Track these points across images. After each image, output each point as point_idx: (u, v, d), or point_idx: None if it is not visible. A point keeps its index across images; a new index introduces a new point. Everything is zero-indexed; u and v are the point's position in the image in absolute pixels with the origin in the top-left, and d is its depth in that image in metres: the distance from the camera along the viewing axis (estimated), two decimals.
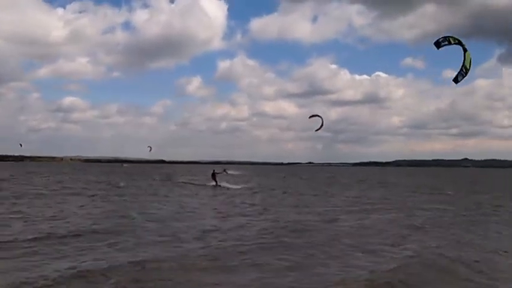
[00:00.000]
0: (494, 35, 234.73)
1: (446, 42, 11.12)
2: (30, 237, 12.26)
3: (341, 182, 55.75)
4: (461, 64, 10.87)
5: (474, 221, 18.33)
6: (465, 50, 10.74)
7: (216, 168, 42.20)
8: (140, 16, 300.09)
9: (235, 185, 37.57)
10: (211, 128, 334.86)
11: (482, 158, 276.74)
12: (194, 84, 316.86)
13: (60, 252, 10.76)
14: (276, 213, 19.38)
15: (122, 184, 39.08)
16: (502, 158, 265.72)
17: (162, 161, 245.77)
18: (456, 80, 10.58)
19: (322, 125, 24.02)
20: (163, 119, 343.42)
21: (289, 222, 16.48)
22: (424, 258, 10.98)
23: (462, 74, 10.68)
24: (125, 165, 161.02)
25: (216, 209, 21.11)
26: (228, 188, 35.04)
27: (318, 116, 24.22)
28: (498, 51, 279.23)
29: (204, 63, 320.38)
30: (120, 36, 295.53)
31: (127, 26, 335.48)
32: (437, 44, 11.10)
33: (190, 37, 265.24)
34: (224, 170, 71.29)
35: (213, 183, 37.55)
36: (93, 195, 26.30)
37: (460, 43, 10.85)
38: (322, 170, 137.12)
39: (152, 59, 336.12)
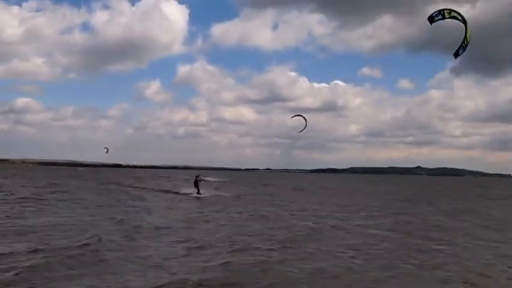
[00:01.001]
0: (448, 47, 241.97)
1: (440, 17, 10.55)
2: None
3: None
4: (462, 38, 10.39)
5: None
6: (465, 23, 10.28)
7: (201, 175, 39.36)
8: (100, 17, 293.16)
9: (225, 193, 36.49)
10: (169, 133, 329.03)
11: (434, 166, 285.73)
12: (153, 88, 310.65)
13: None
14: None
15: None
16: (452, 167, 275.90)
17: (119, 165, 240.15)
18: (457, 54, 10.14)
19: (305, 126, 24.37)
20: (120, 122, 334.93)
21: None
22: None
23: (463, 47, 10.23)
24: (81, 168, 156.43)
25: None
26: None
27: (301, 116, 24.19)
28: (451, 63, 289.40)
29: (164, 68, 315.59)
30: (78, 37, 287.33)
31: (86, 27, 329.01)
32: (431, 19, 10.53)
33: (150, 41, 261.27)
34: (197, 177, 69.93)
35: (196, 191, 35.35)
36: None
37: (455, 17, 10.29)
38: (293, 177, 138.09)
39: (110, 62, 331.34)
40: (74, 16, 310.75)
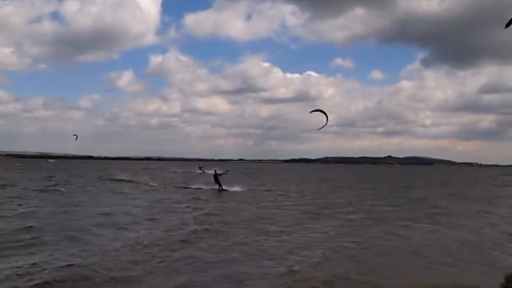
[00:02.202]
0: (418, 39, 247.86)
1: None
2: None
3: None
4: None
5: None
6: None
7: (217, 168, 36.39)
8: (70, 6, 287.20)
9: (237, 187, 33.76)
10: (141, 124, 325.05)
11: (405, 156, 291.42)
12: (125, 78, 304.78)
13: None
14: None
15: None
16: (423, 156, 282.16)
17: (90, 157, 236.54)
18: (509, 24, 9.76)
19: (326, 122, 21.29)
20: (91, 113, 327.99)
21: None
22: None
23: None
24: (50, 160, 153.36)
25: None
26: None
27: (321, 111, 21.36)
28: (421, 54, 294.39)
29: (136, 58, 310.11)
30: (48, 26, 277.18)
31: (56, 16, 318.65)
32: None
33: (123, 31, 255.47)
34: (200, 168, 66.44)
35: (216, 186, 32.87)
36: None
37: None
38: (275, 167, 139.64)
39: (81, 52, 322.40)
40: (44, 5, 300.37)
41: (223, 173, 34.28)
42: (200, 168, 65.35)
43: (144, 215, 18.88)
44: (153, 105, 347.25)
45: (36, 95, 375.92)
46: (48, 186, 32.81)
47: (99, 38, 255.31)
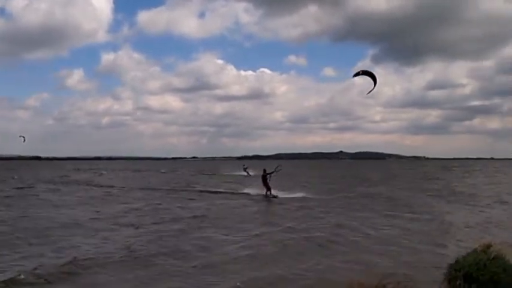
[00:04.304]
0: (369, 37, 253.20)
1: None
2: None
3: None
4: None
5: None
6: None
7: (267, 167, 27.93)
8: (18, 2, 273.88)
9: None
10: (92, 123, 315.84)
11: (356, 151, 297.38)
12: (75, 77, 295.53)
13: None
14: None
15: None
16: (373, 151, 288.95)
17: (38, 157, 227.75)
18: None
19: (375, 85, 18.19)
20: (39, 113, 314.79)
21: None
22: None
23: None
24: None
25: None
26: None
27: (367, 72, 18.13)
28: (372, 51, 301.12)
29: (87, 56, 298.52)
30: None
31: (2, 12, 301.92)
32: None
33: (73, 28, 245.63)
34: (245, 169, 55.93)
35: (264, 191, 26.90)
36: None
37: None
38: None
39: (30, 50, 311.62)
40: None
41: (275, 171, 27.22)
42: (245, 169, 55.78)
43: None
44: (104, 104, 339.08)
45: None
46: None
47: (49, 35, 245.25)
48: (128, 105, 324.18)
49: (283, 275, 9.74)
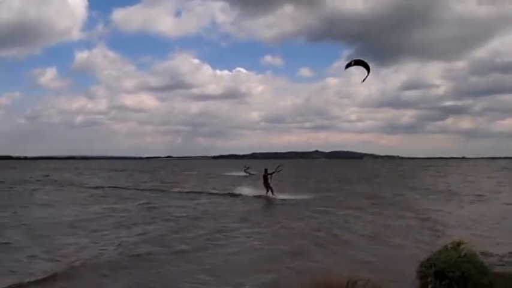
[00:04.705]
0: (345, 37, 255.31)
1: None
2: None
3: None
4: None
5: None
6: None
7: (268, 167, 27.30)
8: None
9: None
10: (66, 122, 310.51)
11: (331, 150, 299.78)
12: (48, 75, 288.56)
13: None
14: None
15: None
16: (348, 150, 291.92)
17: (9, 157, 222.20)
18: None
19: (368, 73, 17.59)
20: (11, 111, 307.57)
21: None
22: None
23: None
24: None
25: None
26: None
27: (359, 62, 17.82)
28: (347, 52, 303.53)
29: (61, 54, 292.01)
30: None
31: None
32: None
33: (47, 26, 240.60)
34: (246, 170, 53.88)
35: (264, 191, 26.51)
36: None
37: None
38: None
39: (1, 47, 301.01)
40: None
41: (276, 171, 26.77)
42: (246, 170, 54.07)
43: None
44: (78, 102, 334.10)
45: None
46: None
47: (22, 33, 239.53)
48: (102, 104, 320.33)
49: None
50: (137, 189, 33.84)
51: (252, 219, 18.18)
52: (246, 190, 28.38)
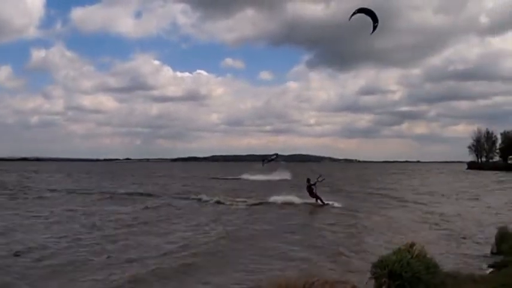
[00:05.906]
0: (304, 42, 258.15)
1: None
2: None
3: None
4: None
5: None
6: None
7: (311, 178, 26.74)
8: None
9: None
10: (20, 122, 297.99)
11: (290, 153, 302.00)
12: (2, 73, 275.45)
13: None
14: None
15: None
16: (307, 153, 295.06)
17: None
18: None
19: (377, 23, 16.81)
20: None
21: None
22: None
23: None
24: None
25: None
26: None
27: (364, 11, 16.59)
28: (307, 57, 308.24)
29: (16, 52, 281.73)
30: None
31: None
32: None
33: (2, 23, 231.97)
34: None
35: (313, 200, 25.92)
36: None
37: None
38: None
39: None
40: None
41: (318, 180, 26.21)
42: (270, 160, 56.26)
43: None
44: (33, 102, 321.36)
45: None
46: None
47: None
48: (59, 104, 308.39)
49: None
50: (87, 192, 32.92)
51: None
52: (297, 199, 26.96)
